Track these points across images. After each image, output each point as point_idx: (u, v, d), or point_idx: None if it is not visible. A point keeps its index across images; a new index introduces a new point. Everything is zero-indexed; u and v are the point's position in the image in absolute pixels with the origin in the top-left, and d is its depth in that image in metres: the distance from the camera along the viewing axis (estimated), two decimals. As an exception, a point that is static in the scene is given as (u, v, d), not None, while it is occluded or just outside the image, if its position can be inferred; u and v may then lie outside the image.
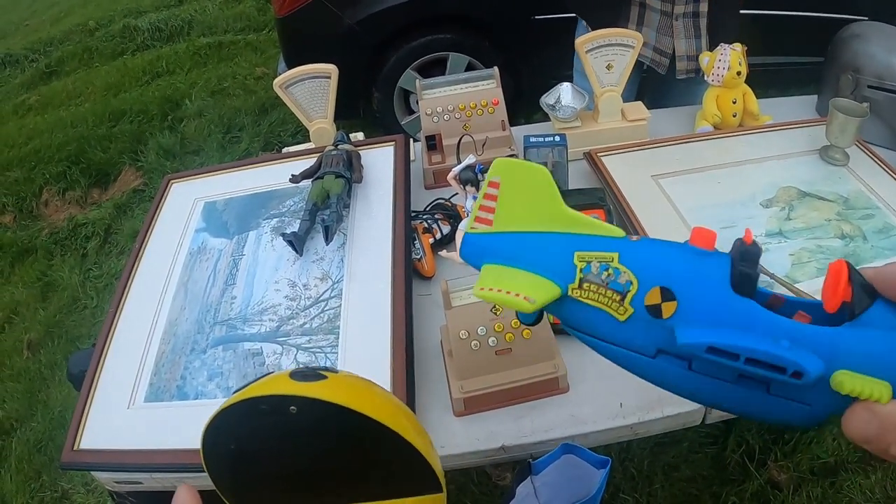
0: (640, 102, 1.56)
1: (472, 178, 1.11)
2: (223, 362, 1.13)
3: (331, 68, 1.47)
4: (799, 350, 0.39)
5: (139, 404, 1.12)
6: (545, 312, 0.51)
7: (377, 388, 0.56)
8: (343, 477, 0.51)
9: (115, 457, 1.06)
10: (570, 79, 1.68)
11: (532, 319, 0.52)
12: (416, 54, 3.07)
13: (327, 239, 1.21)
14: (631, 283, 0.45)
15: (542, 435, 1.00)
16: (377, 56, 3.03)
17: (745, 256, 0.42)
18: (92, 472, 1.15)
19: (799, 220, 1.24)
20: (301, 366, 0.59)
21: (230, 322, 1.18)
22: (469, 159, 1.12)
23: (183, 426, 1.07)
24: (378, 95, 3.12)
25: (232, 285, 1.24)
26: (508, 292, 0.48)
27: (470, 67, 3.10)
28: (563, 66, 2.01)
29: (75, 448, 1.08)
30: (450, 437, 1.01)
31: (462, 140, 1.19)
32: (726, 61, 1.46)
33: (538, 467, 0.92)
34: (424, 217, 1.34)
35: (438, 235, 1.31)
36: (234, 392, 0.54)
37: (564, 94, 1.51)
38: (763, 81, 1.85)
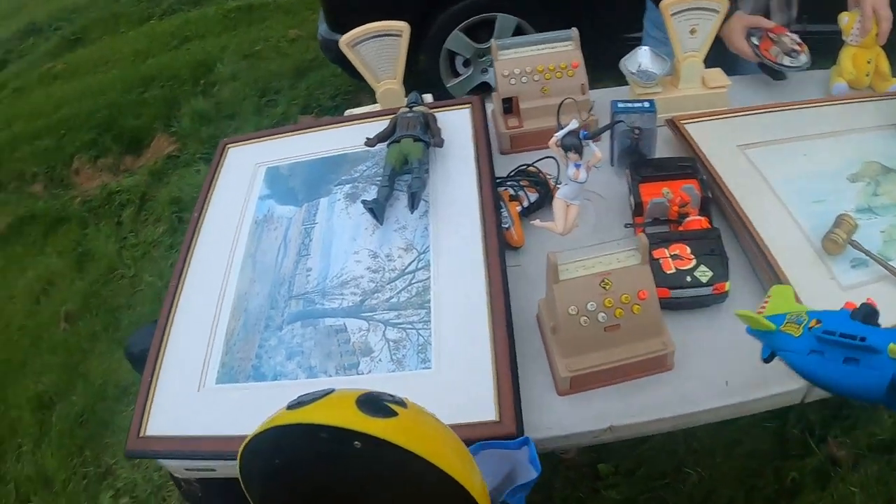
0: (719, 69, 1.44)
1: (575, 144, 0.99)
2: (303, 340, 1.03)
3: (402, 25, 1.36)
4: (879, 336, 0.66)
5: (210, 386, 1.03)
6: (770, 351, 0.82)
7: (444, 431, 0.55)
8: None
9: (187, 444, 0.97)
10: (626, 43, 1.55)
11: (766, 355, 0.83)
12: (462, 15, 2.94)
13: (413, 207, 1.10)
14: (803, 319, 0.77)
15: (652, 414, 0.93)
16: (423, 17, 2.90)
17: (867, 318, 0.70)
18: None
19: (886, 196, 1.14)
20: (369, 393, 0.53)
21: (307, 296, 1.08)
22: (572, 124, 1.01)
23: (262, 409, 0.97)
24: (424, 57, 3.01)
25: (306, 256, 1.14)
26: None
27: (518, 31, 2.98)
28: (618, 29, 1.89)
29: (141, 435, 1.00)
30: (555, 417, 0.94)
31: (562, 104, 1.08)
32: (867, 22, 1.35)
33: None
34: (509, 184, 1.23)
35: (525, 203, 1.20)
36: (292, 405, 0.51)
37: (644, 59, 1.40)
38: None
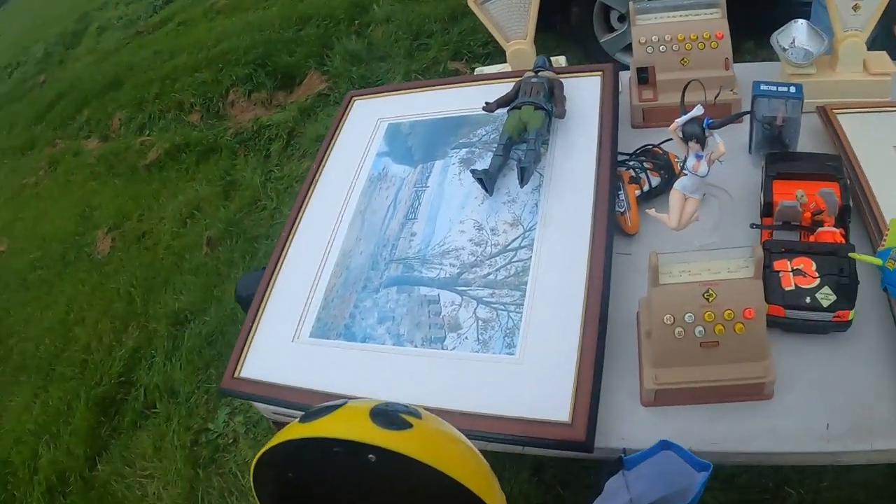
0: (884, 53, 1.26)
1: (698, 133, 0.91)
2: (396, 305, 1.03)
3: (532, -17, 1.30)
4: None
5: (304, 339, 1.05)
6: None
7: (461, 442, 0.53)
8: None
9: (274, 391, 1.01)
10: (777, 15, 1.39)
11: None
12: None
13: (522, 181, 1.06)
14: None
15: (735, 445, 0.84)
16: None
17: None
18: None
19: None
20: (383, 404, 0.51)
21: (407, 261, 1.08)
22: (696, 110, 0.92)
23: (347, 369, 0.99)
24: (577, 10, 2.87)
25: (413, 220, 1.13)
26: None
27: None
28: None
29: (236, 375, 1.04)
30: (632, 428, 0.88)
31: (689, 84, 0.99)
32: None
33: (631, 463, 0.80)
34: (631, 164, 1.15)
35: (646, 187, 1.12)
36: (306, 417, 0.49)
37: (800, 34, 1.24)
38: None
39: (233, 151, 3.36)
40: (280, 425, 1.16)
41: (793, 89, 1.09)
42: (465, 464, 0.49)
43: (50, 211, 3.73)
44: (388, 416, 0.48)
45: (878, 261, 0.84)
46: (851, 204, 0.97)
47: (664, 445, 0.77)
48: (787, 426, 0.84)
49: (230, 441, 2.10)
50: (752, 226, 1.02)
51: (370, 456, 0.46)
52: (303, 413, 0.50)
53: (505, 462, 1.17)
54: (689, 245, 1.00)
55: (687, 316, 0.83)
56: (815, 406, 0.85)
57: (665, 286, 0.84)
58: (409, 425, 0.47)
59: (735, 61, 1.25)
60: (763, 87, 1.10)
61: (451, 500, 0.47)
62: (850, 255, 0.86)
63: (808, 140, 1.16)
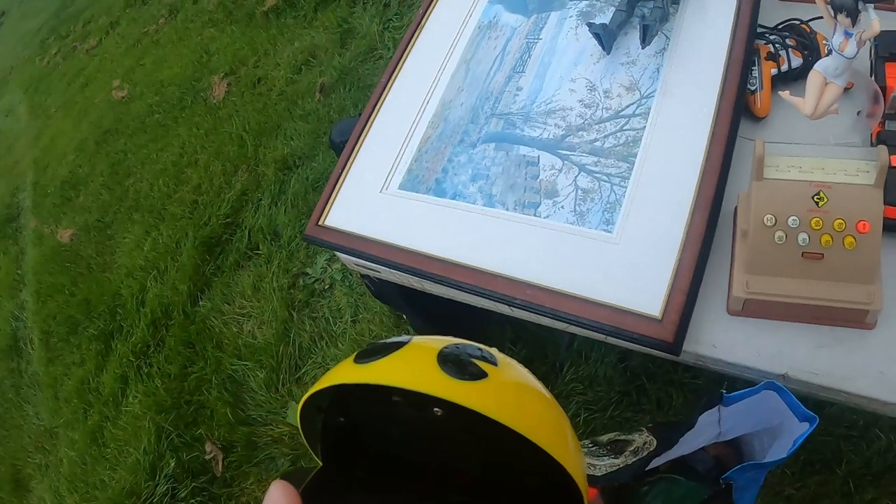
0: None
1: (849, 4, 0.74)
2: (492, 164, 0.95)
3: None
4: None
5: (392, 190, 0.99)
6: None
7: (542, 396, 0.44)
8: (467, 483, 0.45)
9: (356, 243, 0.97)
10: None
11: None
12: None
13: (644, 41, 0.93)
14: None
15: (836, 381, 0.73)
16: None
17: None
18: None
19: None
20: (453, 346, 0.41)
21: (509, 117, 0.99)
22: None
23: (433, 226, 0.94)
24: None
25: (520, 73, 1.03)
26: None
27: None
28: None
29: (320, 223, 1.00)
30: (726, 336, 0.77)
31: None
32: None
33: (729, 400, 0.72)
34: (772, 38, 0.99)
35: (784, 66, 0.96)
36: (362, 355, 0.40)
37: None
38: None
39: (352, -1, 3.26)
40: (368, 279, 1.14)
41: None
42: (546, 425, 0.41)
43: (168, 57, 3.79)
44: (459, 362, 0.39)
45: None
46: None
47: (769, 386, 0.69)
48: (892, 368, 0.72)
49: (326, 286, 2.15)
50: (858, 113, 0.86)
51: (435, 410, 0.39)
52: (360, 350, 0.41)
53: (593, 342, 1.12)
54: (823, 141, 0.86)
55: (791, 219, 0.71)
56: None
57: (769, 181, 0.72)
58: (484, 374, 0.39)
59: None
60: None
61: (524, 460, 0.40)
62: None
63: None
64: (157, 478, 1.96)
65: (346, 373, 0.40)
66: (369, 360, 0.40)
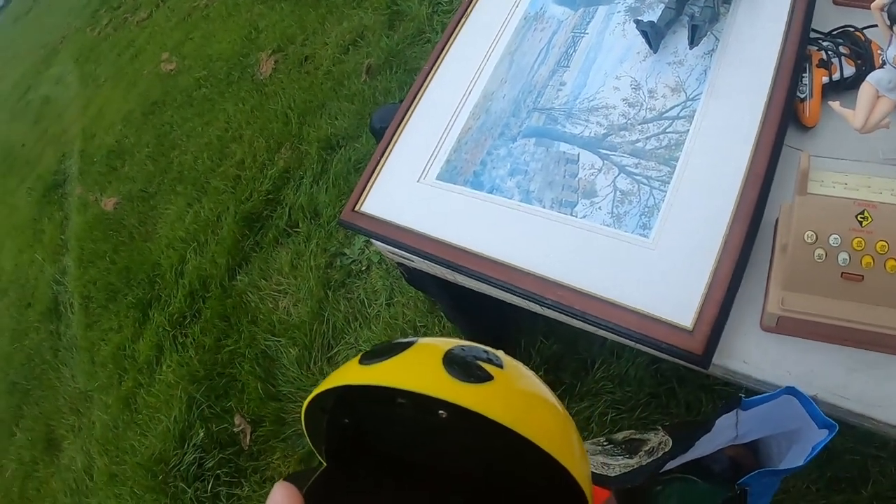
0: None
1: None
2: (531, 159, 0.95)
3: None
4: None
5: (430, 180, 0.99)
6: None
7: (547, 400, 0.43)
8: (471, 485, 0.44)
9: (391, 231, 0.97)
10: None
11: None
12: None
13: (693, 41, 0.91)
14: None
15: (866, 407, 0.70)
16: None
17: None
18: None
19: None
20: (459, 348, 0.41)
21: (551, 112, 0.98)
22: None
23: (468, 219, 0.93)
24: None
25: (565, 68, 1.02)
26: None
27: None
28: None
29: (356, 209, 1.01)
30: (758, 352, 0.75)
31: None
32: None
33: (748, 405, 0.71)
34: (825, 44, 0.95)
35: (836, 75, 0.93)
36: (367, 356, 0.41)
37: None
38: None
39: (403, -19, 3.25)
40: (402, 266, 1.14)
41: None
42: (551, 429, 0.41)
43: (217, 32, 3.83)
44: (465, 364, 0.39)
45: None
46: None
47: (788, 391, 0.67)
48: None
49: (363, 268, 2.16)
50: None
51: (440, 412, 0.39)
52: (364, 351, 0.42)
53: (625, 341, 1.11)
54: (872, 155, 0.83)
55: (832, 238, 0.68)
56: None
57: (813, 196, 0.69)
58: (490, 377, 0.39)
59: None
60: None
61: (529, 464, 0.39)
62: None
63: None
64: (186, 446, 2.01)
65: (352, 374, 0.40)
66: (375, 361, 0.40)
